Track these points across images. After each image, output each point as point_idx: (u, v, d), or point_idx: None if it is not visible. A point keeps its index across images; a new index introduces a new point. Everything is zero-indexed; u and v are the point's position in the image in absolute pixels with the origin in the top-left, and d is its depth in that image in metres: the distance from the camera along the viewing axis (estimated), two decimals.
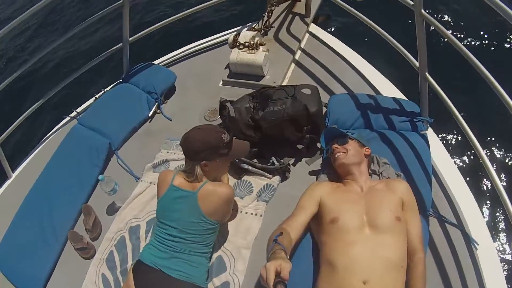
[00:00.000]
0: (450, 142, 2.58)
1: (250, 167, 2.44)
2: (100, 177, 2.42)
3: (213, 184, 1.98)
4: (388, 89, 2.75)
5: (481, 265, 1.89)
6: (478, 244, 1.95)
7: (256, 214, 2.30)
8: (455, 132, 2.39)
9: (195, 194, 1.93)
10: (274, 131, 2.41)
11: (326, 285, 1.70)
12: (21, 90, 5.34)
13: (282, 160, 2.47)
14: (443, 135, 2.55)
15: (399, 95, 2.69)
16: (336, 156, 2.12)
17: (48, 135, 3.25)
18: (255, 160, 2.48)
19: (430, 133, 2.44)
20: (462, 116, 2.15)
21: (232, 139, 2.03)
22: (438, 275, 1.87)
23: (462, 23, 4.70)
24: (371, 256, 1.65)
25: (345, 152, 2.09)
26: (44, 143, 3.18)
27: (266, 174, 2.43)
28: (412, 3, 2.07)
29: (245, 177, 2.48)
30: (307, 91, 2.43)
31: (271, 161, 2.48)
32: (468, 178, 2.28)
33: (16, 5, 8.16)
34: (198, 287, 1.92)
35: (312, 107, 2.35)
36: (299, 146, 2.44)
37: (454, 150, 2.51)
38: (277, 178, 2.43)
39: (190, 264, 1.92)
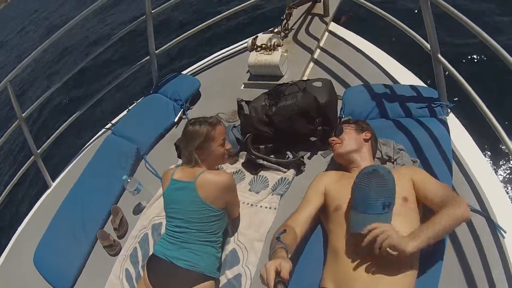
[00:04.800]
0: (473, 127, 2.41)
1: (265, 162, 2.45)
2: (123, 177, 2.56)
3: (211, 173, 2.04)
4: (408, 79, 2.66)
5: (509, 256, 1.71)
6: (505, 232, 1.77)
7: (270, 208, 2.30)
8: (477, 117, 2.23)
9: (193, 183, 1.99)
10: (286, 125, 2.42)
11: (331, 272, 1.66)
12: (57, 107, 5.84)
13: (297, 154, 2.45)
14: (466, 120, 2.39)
15: (420, 83, 2.59)
16: (333, 147, 2.10)
17: (85, 146, 3.50)
18: (272, 156, 2.49)
19: (452, 118, 2.32)
20: (481, 99, 1.99)
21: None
22: (460, 268, 1.71)
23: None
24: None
25: (340, 143, 2.06)
26: (81, 154, 3.43)
27: (281, 168, 2.43)
28: None
29: (261, 172, 2.50)
30: (318, 83, 2.42)
31: (287, 155, 2.47)
32: (493, 163, 2.11)
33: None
34: (207, 276, 1.94)
35: (321, 98, 2.33)
36: (312, 139, 2.42)
37: (478, 135, 2.35)
38: (292, 171, 2.42)
39: (196, 253, 1.96)
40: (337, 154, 2.08)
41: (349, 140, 2.05)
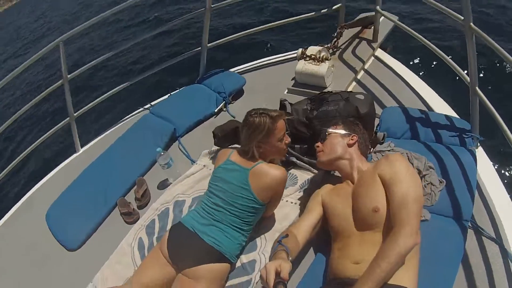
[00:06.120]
0: (501, 162, 2.46)
1: (298, 161, 2.51)
2: (158, 149, 2.59)
3: (267, 165, 2.04)
4: (443, 109, 2.74)
5: None
6: None
7: (295, 203, 2.32)
8: (508, 153, 2.27)
9: (247, 170, 2.01)
10: None
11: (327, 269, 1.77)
12: (103, 78, 5.98)
13: None
14: (496, 154, 2.44)
15: (453, 114, 2.67)
16: (316, 155, 2.12)
17: (120, 120, 3.59)
18: (305, 156, 2.53)
19: (480, 151, 2.38)
20: None
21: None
22: None
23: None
24: (361, 247, 1.63)
25: (322, 151, 2.07)
26: (115, 127, 3.52)
27: (312, 169, 2.47)
28: (462, 17, 2.13)
29: (292, 170, 2.54)
30: (360, 96, 2.50)
31: None
32: None
33: None
34: (226, 258, 1.94)
35: (362, 109, 2.40)
36: None
37: (504, 169, 2.38)
38: (321, 173, 2.44)
39: (225, 234, 1.96)
40: (318, 162, 2.11)
41: (332, 146, 2.04)
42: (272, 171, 1.99)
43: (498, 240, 1.90)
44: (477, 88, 2.25)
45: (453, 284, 1.70)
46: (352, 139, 2.05)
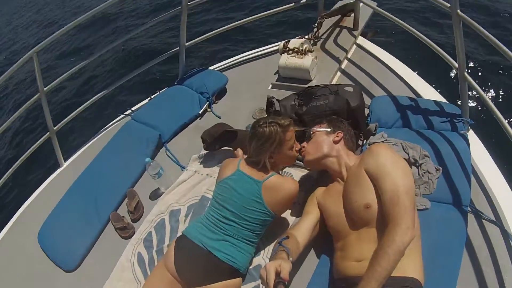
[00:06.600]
0: (493, 144, 2.53)
1: None
2: (146, 159, 2.53)
3: (280, 178, 2.00)
4: (430, 95, 2.76)
5: None
6: None
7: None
8: (498, 135, 2.33)
9: (260, 184, 1.95)
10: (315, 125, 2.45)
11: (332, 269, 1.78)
12: (79, 87, 5.82)
13: None
14: (487, 137, 2.50)
15: (441, 99, 2.69)
16: (302, 155, 2.11)
17: (102, 130, 3.47)
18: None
19: (472, 134, 2.40)
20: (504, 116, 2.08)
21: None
22: (473, 275, 1.77)
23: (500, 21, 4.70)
24: (360, 245, 1.65)
25: (307, 150, 2.07)
26: (97, 137, 3.40)
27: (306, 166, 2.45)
28: (448, 4, 2.13)
29: (286, 169, 2.50)
30: (349, 88, 2.48)
31: None
32: (509, 178, 2.19)
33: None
34: (239, 272, 1.91)
35: (353, 102, 2.39)
36: None
37: (496, 152, 2.44)
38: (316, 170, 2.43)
39: (237, 249, 1.92)
40: (305, 162, 2.10)
41: (318, 145, 2.04)
42: (286, 185, 1.96)
43: (498, 222, 1.94)
44: (465, 73, 2.27)
45: (459, 269, 1.73)
46: (337, 136, 2.05)
